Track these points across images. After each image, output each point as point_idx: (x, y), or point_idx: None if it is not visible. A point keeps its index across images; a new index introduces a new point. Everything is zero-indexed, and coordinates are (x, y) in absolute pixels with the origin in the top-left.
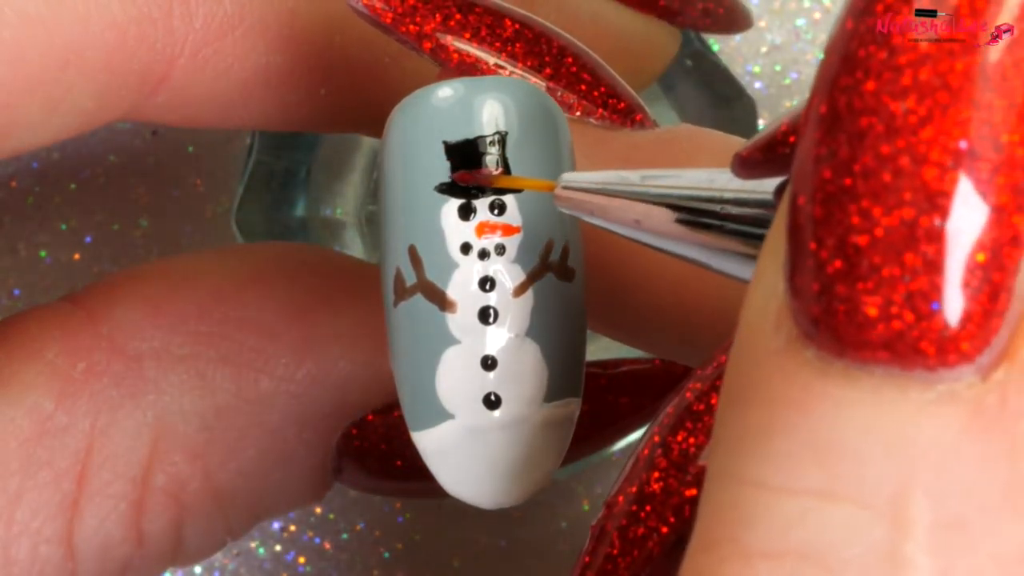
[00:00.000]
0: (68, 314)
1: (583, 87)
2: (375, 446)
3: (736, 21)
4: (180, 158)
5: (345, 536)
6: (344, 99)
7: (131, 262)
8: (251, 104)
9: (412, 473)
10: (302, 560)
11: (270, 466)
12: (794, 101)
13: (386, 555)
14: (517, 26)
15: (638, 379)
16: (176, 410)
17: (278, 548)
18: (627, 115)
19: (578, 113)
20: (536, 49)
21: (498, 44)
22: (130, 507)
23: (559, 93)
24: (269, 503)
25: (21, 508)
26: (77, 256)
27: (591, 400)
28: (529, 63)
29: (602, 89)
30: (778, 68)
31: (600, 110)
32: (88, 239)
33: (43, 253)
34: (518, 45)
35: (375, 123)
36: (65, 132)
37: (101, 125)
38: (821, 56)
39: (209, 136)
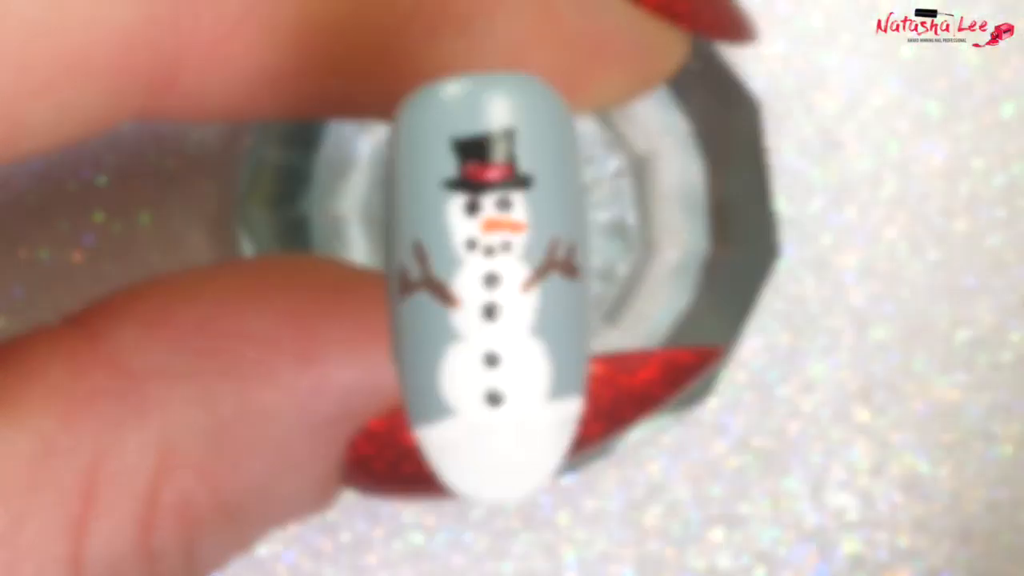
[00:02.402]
0: (69, 335)
1: None
2: (381, 452)
3: (743, 32)
4: (180, 158)
5: (345, 536)
6: (357, 88)
7: (131, 262)
8: (262, 99)
9: (419, 477)
10: (302, 560)
11: (277, 477)
12: (793, 102)
13: (386, 555)
14: None
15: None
16: (181, 426)
17: (278, 548)
18: None
19: None
20: None
21: None
22: (138, 525)
23: None
24: (278, 514)
25: (26, 530)
26: (77, 256)
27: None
28: None
29: None
30: (778, 69)
31: None
32: (88, 239)
33: (43, 253)
34: None
35: (388, 109)
36: (74, 136)
37: (110, 127)
38: (821, 56)
39: (209, 136)
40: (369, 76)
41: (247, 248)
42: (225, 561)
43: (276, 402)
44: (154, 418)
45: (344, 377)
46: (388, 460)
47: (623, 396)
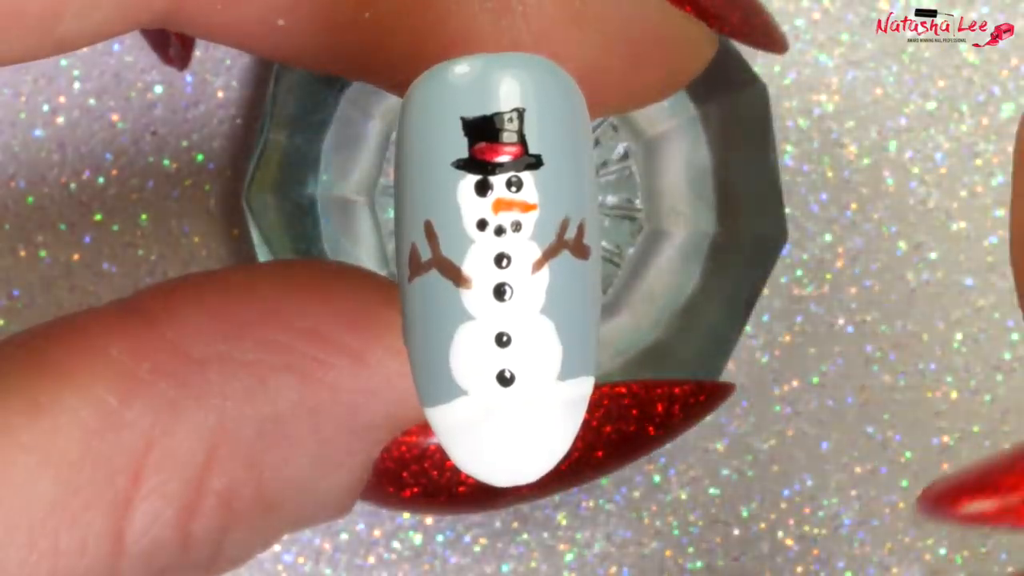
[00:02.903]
0: (126, 317)
1: None
2: (407, 464)
3: (772, 40)
4: (180, 158)
5: (344, 536)
6: (378, 47)
7: (131, 262)
8: (294, 20)
9: (439, 488)
10: (301, 560)
11: (317, 476)
12: (793, 102)
13: (386, 555)
14: None
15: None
16: (237, 416)
17: (277, 548)
18: None
19: None
20: None
21: None
22: (182, 510)
23: None
24: (308, 514)
25: (74, 501)
26: (77, 256)
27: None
28: None
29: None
30: (777, 69)
31: None
32: (88, 239)
33: (43, 253)
34: None
35: (406, 77)
36: (105, 27)
37: (137, 23)
38: (821, 56)
39: (209, 135)
40: (391, 35)
41: (254, 234)
42: (246, 559)
43: (330, 401)
44: (212, 405)
45: (396, 384)
46: (413, 471)
47: (630, 435)
